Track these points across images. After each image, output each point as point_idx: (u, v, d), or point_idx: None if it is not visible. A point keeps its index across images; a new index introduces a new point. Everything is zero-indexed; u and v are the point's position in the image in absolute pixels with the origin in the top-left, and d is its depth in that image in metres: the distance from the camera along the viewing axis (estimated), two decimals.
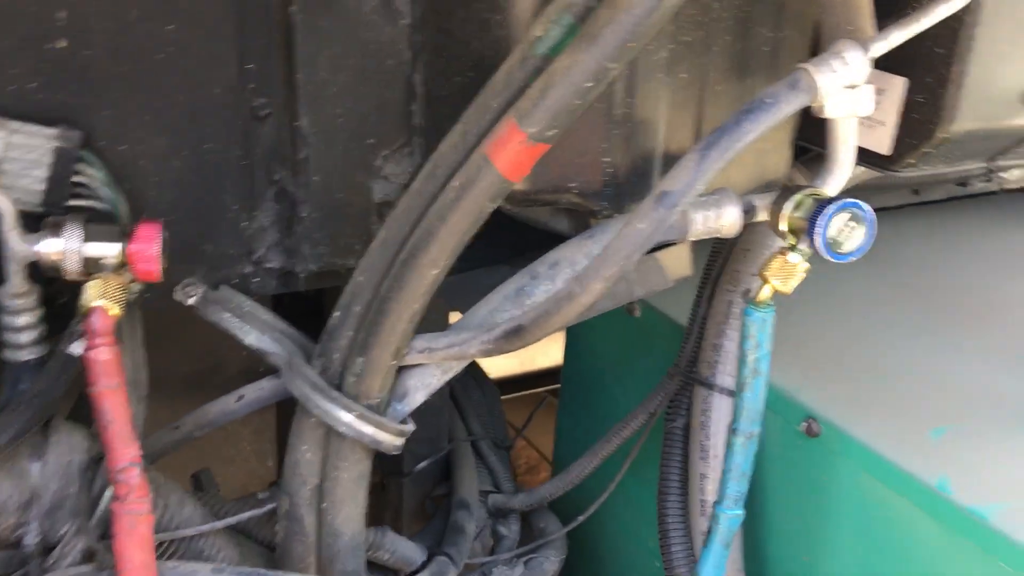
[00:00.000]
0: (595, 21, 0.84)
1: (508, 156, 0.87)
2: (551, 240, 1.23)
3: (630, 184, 1.05)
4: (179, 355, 1.50)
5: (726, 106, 1.07)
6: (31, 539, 0.90)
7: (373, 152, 1.12)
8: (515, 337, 0.92)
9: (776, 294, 0.99)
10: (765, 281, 0.99)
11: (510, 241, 1.36)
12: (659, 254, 1.11)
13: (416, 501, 1.48)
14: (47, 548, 0.93)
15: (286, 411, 1.58)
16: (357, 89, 1.08)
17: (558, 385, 2.71)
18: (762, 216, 1.04)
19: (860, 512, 1.16)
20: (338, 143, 1.10)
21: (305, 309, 1.46)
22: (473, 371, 1.64)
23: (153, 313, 1.11)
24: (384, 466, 1.49)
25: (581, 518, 1.34)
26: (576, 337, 1.69)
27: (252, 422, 1.72)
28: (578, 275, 0.86)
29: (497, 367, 2.83)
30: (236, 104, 1.06)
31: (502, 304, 1.01)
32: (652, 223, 0.82)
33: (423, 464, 1.42)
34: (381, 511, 1.54)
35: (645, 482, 1.38)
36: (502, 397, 2.98)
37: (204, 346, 1.52)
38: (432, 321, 1.32)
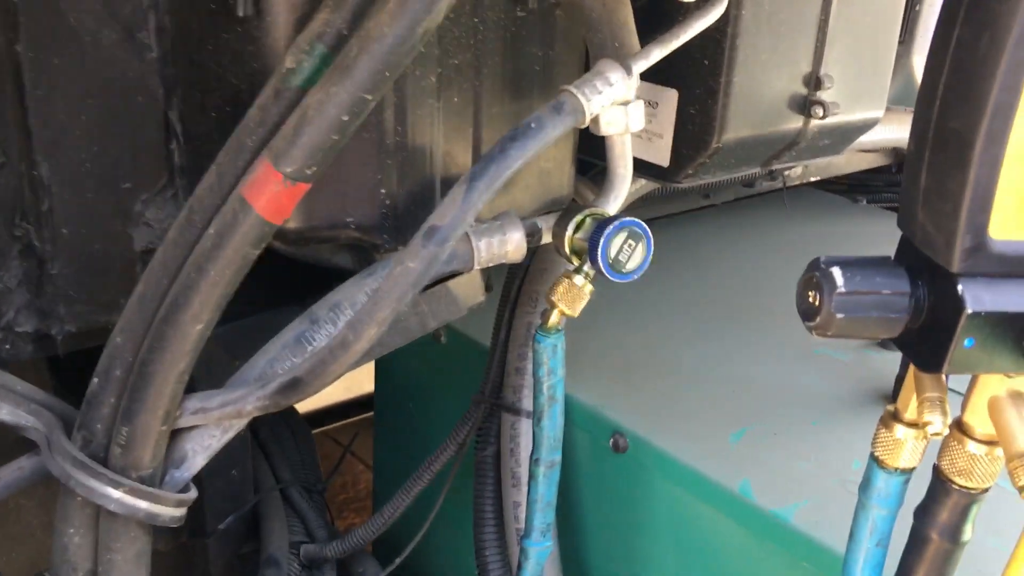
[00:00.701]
0: (347, 51, 0.79)
1: (266, 198, 0.81)
2: (345, 274, 1.17)
3: (410, 214, 1.00)
4: None
5: (502, 127, 1.05)
6: None
7: (131, 197, 1.03)
8: (292, 391, 0.86)
9: (560, 317, 0.97)
10: (553, 305, 0.97)
11: (299, 278, 1.30)
12: (451, 283, 1.07)
13: (224, 561, 1.38)
14: None
15: None
16: (104, 130, 0.99)
17: None
18: (547, 238, 1.02)
19: (673, 524, 1.17)
20: (86, 190, 1.00)
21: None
22: (278, 412, 1.55)
23: None
24: (187, 527, 1.39)
25: (397, 560, 1.29)
26: (385, 366, 1.64)
27: (36, 494, 1.57)
28: (350, 321, 0.80)
29: (323, 395, 2.74)
30: None
31: (282, 353, 0.95)
32: (423, 261, 0.78)
33: (227, 521, 1.33)
34: (189, 575, 1.44)
35: (465, 511, 1.35)
36: (329, 426, 2.89)
37: None
38: (218, 372, 1.24)
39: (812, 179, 1.83)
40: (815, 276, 0.69)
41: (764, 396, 1.25)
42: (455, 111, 1.00)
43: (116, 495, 0.90)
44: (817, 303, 0.68)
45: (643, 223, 0.94)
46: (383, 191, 0.98)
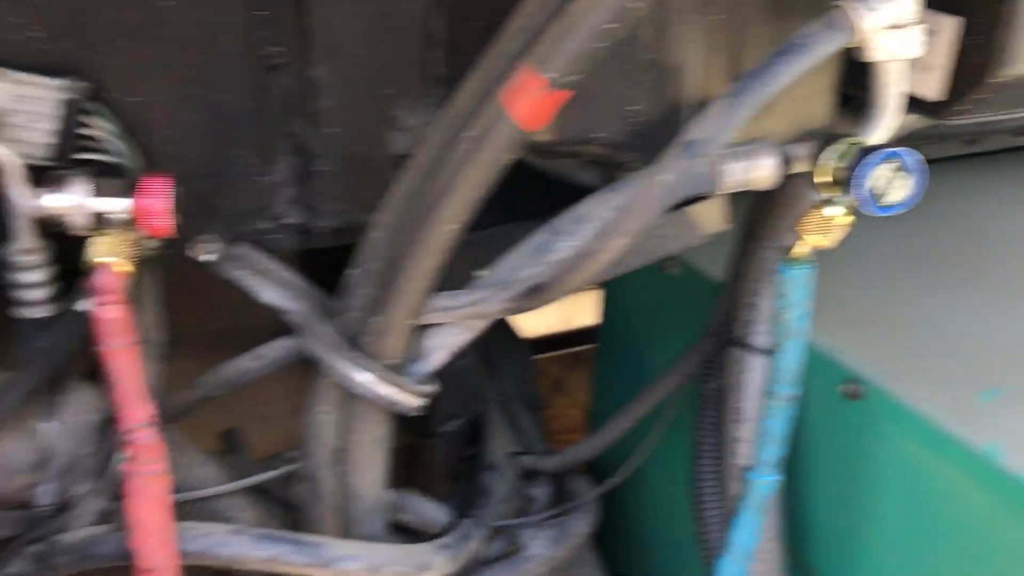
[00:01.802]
0: None
1: (526, 104, 0.82)
2: (581, 192, 1.18)
3: (660, 133, 0.99)
4: (205, 312, 1.48)
5: (764, 49, 1.01)
6: (44, 499, 0.89)
7: (392, 102, 1.08)
8: (535, 295, 0.88)
9: (815, 249, 0.93)
10: (801, 236, 0.93)
11: (538, 194, 1.32)
12: (691, 208, 1.05)
13: (446, 462, 1.45)
14: (62, 508, 0.91)
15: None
16: (374, 36, 1.04)
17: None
18: (801, 167, 0.98)
19: (904, 478, 1.11)
20: (354, 93, 1.05)
21: (334, 264, 1.43)
22: (505, 330, 1.60)
23: (177, 269, 1.09)
24: (414, 427, 1.47)
25: (612, 480, 1.30)
26: (613, 295, 1.64)
27: (286, 380, 1.70)
28: (598, 231, 0.81)
29: (540, 324, 2.80)
30: (249, 53, 1.02)
31: (523, 261, 0.97)
32: (677, 174, 0.77)
33: (452, 425, 1.39)
34: (413, 472, 1.52)
35: (680, 444, 1.34)
36: (544, 355, 2.95)
37: (230, 303, 1.50)
38: (459, 279, 1.29)
39: None
40: None
41: (1021, 358, 1.15)
42: (716, 29, 0.97)
43: (364, 379, 0.96)
44: None
45: (919, 154, 0.88)
46: (635, 108, 0.97)
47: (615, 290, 1.62)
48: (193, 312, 1.46)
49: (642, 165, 1.01)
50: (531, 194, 1.24)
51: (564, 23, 0.81)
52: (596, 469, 1.51)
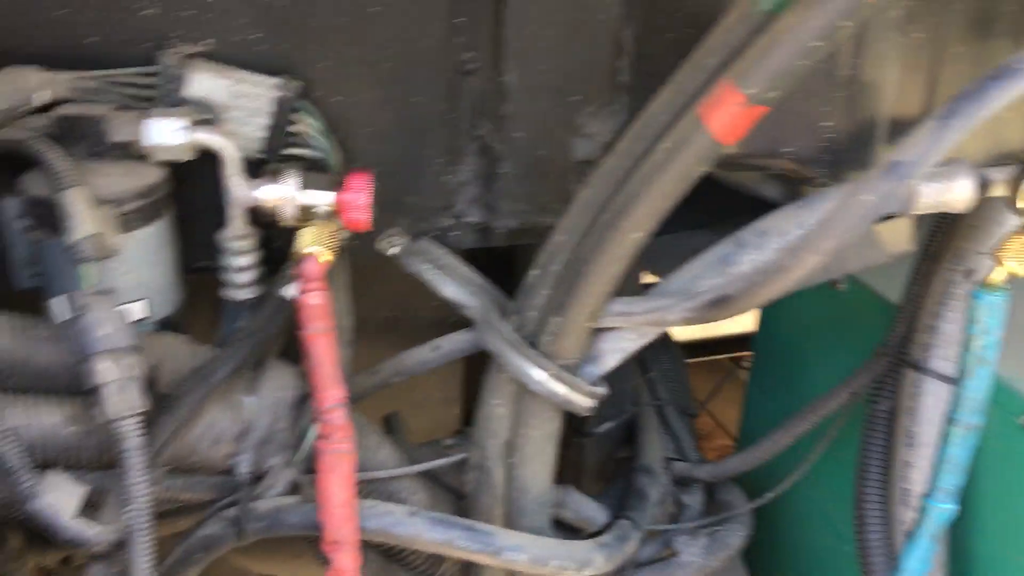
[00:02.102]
0: None
1: (723, 118, 0.83)
2: (753, 205, 1.18)
3: (851, 151, 0.98)
4: (374, 302, 1.55)
5: (964, 70, 0.99)
6: (243, 468, 0.96)
7: (577, 109, 1.10)
8: (720, 307, 0.89)
9: (1011, 276, 0.91)
10: (999, 262, 0.91)
11: (710, 205, 1.32)
12: (878, 227, 1.03)
13: (598, 462, 1.47)
14: (256, 478, 0.98)
15: (473, 361, 1.61)
16: (565, 44, 1.06)
17: (739, 352, 2.62)
18: (999, 191, 0.95)
19: None
20: (542, 99, 1.08)
21: (494, 267, 1.47)
22: (661, 336, 1.60)
23: (359, 259, 1.15)
24: (569, 425, 1.49)
25: (771, 494, 1.29)
26: (772, 308, 1.62)
27: (440, 370, 1.76)
28: (792, 246, 0.81)
29: (678, 331, 2.78)
30: (445, 58, 1.06)
31: (705, 271, 0.98)
32: (880, 194, 0.76)
33: (607, 426, 1.41)
34: (562, 469, 1.55)
35: (838, 463, 1.32)
36: (697, 359, 2.92)
37: (397, 294, 1.57)
38: (624, 284, 1.30)
39: None
40: None
41: None
42: (915, 48, 0.95)
43: (540, 376, 0.99)
44: None
45: None
46: (827, 123, 0.97)
47: (776, 304, 1.60)
48: (364, 301, 1.52)
49: (829, 181, 1.00)
50: (703, 204, 1.24)
51: (767, 39, 0.81)
52: (744, 482, 1.50)
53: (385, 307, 1.56)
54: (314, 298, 0.91)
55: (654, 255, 1.21)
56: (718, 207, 1.31)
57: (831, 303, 1.43)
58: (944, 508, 1.02)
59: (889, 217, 1.01)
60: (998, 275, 0.91)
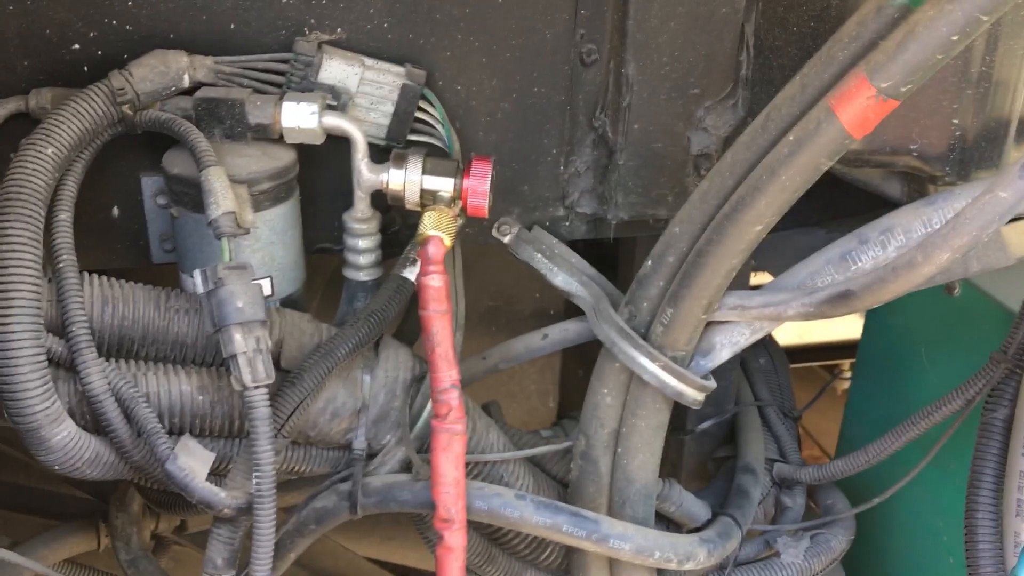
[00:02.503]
0: None
1: (854, 111, 0.82)
2: (866, 205, 1.16)
3: (979, 150, 0.96)
4: (477, 291, 1.57)
5: None
6: (359, 443, 0.99)
7: (696, 102, 1.10)
8: (842, 302, 0.88)
9: None
10: None
11: (821, 203, 1.30)
12: (1004, 228, 1.01)
13: (696, 460, 1.47)
14: (371, 454, 1.01)
15: (570, 354, 1.62)
16: (686, 38, 1.07)
17: (833, 361, 2.58)
18: None
19: None
20: (661, 92, 1.09)
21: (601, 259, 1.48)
22: (764, 337, 1.59)
23: (473, 246, 1.17)
24: (672, 420, 1.49)
25: (877, 500, 1.27)
26: (879, 312, 1.59)
27: (538, 361, 1.77)
28: (922, 242, 0.80)
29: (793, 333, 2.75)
30: (566, 49, 1.08)
31: (824, 268, 0.97)
32: (1018, 193, 0.75)
33: (707, 423, 1.40)
34: (664, 464, 1.55)
35: (945, 472, 1.29)
36: (801, 364, 2.87)
37: (499, 284, 1.59)
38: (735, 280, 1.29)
39: None
40: None
41: None
42: None
43: (651, 367, 0.99)
44: None
45: None
46: (956, 121, 0.95)
47: (883, 308, 1.57)
48: (471, 288, 1.55)
49: (955, 181, 0.99)
50: (815, 201, 1.23)
51: (903, 32, 0.80)
52: (846, 486, 1.48)
53: (486, 296, 1.59)
54: (435, 280, 0.93)
55: (767, 252, 1.20)
56: (831, 205, 1.29)
57: (943, 308, 1.40)
58: None
59: (1017, 219, 0.98)
60: None
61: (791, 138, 0.87)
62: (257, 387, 0.83)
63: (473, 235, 1.15)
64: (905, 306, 1.51)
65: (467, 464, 1.03)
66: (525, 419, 1.84)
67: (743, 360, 1.55)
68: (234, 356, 0.83)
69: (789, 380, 1.62)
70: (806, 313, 0.92)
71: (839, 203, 1.27)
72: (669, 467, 1.53)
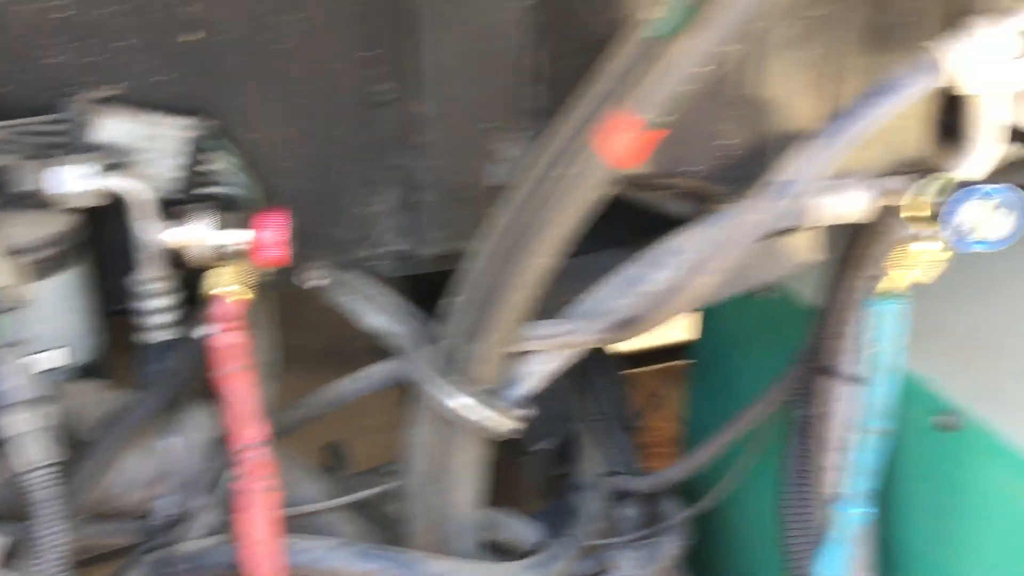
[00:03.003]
0: (713, 2, 0.81)
1: (622, 143, 0.85)
2: (670, 222, 1.20)
3: (754, 166, 1.01)
4: (309, 331, 1.55)
5: (860, 83, 1.01)
6: (160, 512, 0.96)
7: (493, 135, 1.12)
8: (627, 327, 0.91)
9: (912, 284, 0.94)
10: (898, 270, 0.94)
11: (631, 223, 1.34)
12: (787, 238, 1.06)
13: (537, 480, 1.49)
14: (178, 520, 0.98)
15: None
16: (479, 72, 1.08)
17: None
18: (896, 201, 0.98)
19: (1002, 513, 1.09)
20: (458, 127, 1.10)
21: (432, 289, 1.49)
22: (597, 349, 1.62)
23: (284, 291, 1.16)
24: (506, 445, 1.51)
25: (705, 502, 1.32)
26: (709, 315, 1.65)
27: (387, 394, 1.76)
28: (691, 266, 0.83)
29: (636, 339, 2.81)
30: (361, 90, 1.08)
31: (617, 291, 1.00)
32: (769, 213, 0.79)
33: (543, 444, 1.43)
34: (503, 489, 1.56)
35: (769, 467, 1.35)
36: (639, 369, 2.96)
37: (333, 323, 1.57)
38: (555, 304, 1.32)
39: None
40: None
41: None
42: (812, 64, 0.98)
43: (462, 403, 1.00)
44: None
45: (1020, 190, 0.87)
46: (728, 141, 0.99)
47: (712, 311, 1.63)
48: (295, 331, 1.53)
49: (735, 197, 1.03)
50: (623, 222, 1.26)
51: (659, 65, 0.84)
52: (685, 491, 1.53)
53: (320, 337, 1.57)
54: (228, 339, 0.91)
55: (577, 275, 1.23)
56: (635, 225, 1.33)
57: (762, 311, 1.46)
58: (856, 512, 1.04)
59: (795, 229, 1.04)
60: (890, 283, 0.94)
61: (567, 172, 0.90)
62: (37, 468, 0.80)
63: (285, 281, 1.14)
64: (731, 309, 1.57)
65: (283, 518, 1.02)
66: (381, 454, 1.83)
67: (577, 374, 1.58)
68: (12, 438, 0.80)
69: (624, 390, 1.66)
70: (601, 339, 0.95)
71: (644, 223, 1.31)
72: (511, 490, 1.55)
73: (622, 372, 1.68)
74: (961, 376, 1.17)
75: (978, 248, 0.88)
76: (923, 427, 1.15)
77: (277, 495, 0.93)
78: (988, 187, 0.88)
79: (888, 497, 1.19)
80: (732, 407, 1.54)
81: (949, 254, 0.95)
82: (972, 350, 1.22)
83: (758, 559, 1.53)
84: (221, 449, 0.98)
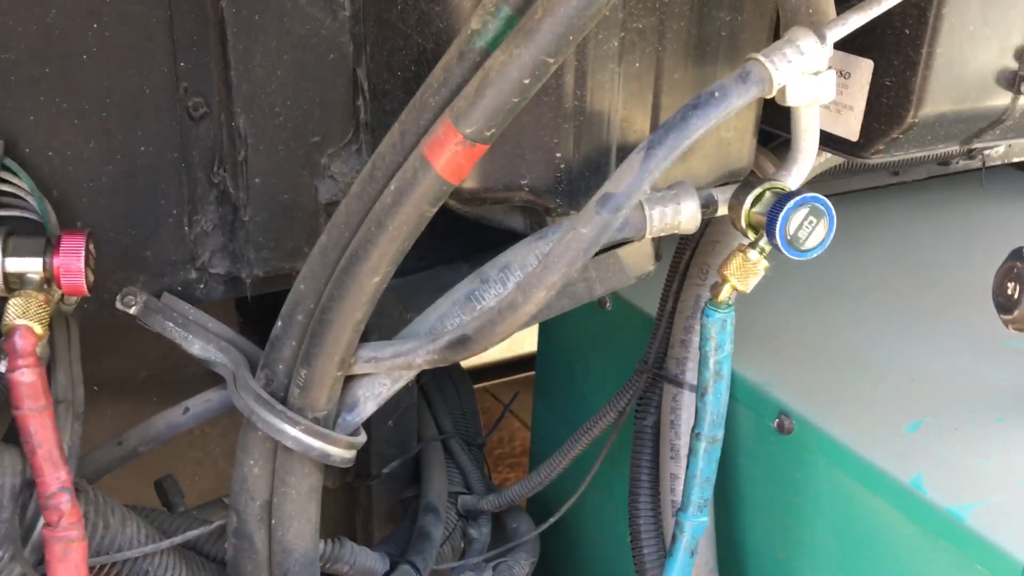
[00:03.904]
0: (532, 14, 0.79)
1: (446, 157, 0.82)
2: (513, 235, 1.19)
3: (584, 179, 1.00)
4: (135, 360, 1.46)
5: (684, 95, 1.02)
6: None
7: (318, 151, 1.07)
8: (460, 348, 0.88)
9: (735, 292, 0.95)
10: (725, 280, 0.95)
11: (469, 236, 1.32)
12: (620, 250, 1.06)
13: (386, 504, 1.44)
14: None
15: None
16: (297, 85, 1.03)
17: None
18: (723, 210, 0.99)
19: (835, 510, 1.13)
20: (279, 142, 1.05)
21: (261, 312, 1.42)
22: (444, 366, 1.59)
23: (102, 319, 1.07)
24: (353, 469, 1.46)
25: (552, 519, 1.30)
26: (549, 329, 1.65)
27: (219, 423, 1.68)
28: (520, 283, 0.81)
29: (487, 353, 2.80)
30: (170, 104, 1.01)
31: (452, 310, 0.97)
32: (595, 228, 0.78)
33: (391, 466, 1.38)
34: (352, 514, 1.51)
35: (621, 477, 1.35)
36: (492, 382, 2.95)
37: (160, 349, 1.48)
38: (390, 322, 1.28)
39: (1015, 159, 1.70)
40: (1016, 267, 0.64)
41: (946, 388, 1.18)
42: (636, 76, 0.98)
43: (293, 433, 0.95)
44: (1017, 295, 0.64)
45: (826, 200, 0.90)
46: (559, 155, 0.98)
47: (549, 324, 1.63)
48: (121, 358, 1.43)
49: (568, 211, 1.02)
50: (460, 237, 1.24)
51: (479, 77, 0.81)
52: (537, 504, 1.51)
53: (145, 365, 1.48)
54: (25, 375, 0.83)
55: (412, 292, 1.20)
56: (474, 239, 1.31)
57: (599, 322, 1.47)
58: (696, 521, 1.05)
59: (629, 241, 1.04)
60: (725, 293, 0.95)
61: (392, 188, 0.86)
62: None
63: (95, 309, 1.05)
64: (569, 321, 1.57)
65: (99, 568, 0.94)
66: (215, 484, 1.74)
67: (424, 391, 1.55)
68: None
69: (475, 406, 1.64)
70: (432, 360, 0.91)
71: (482, 236, 1.28)
72: (362, 516, 1.50)
73: (470, 386, 1.66)
74: (794, 380, 1.20)
75: (805, 256, 0.90)
76: (762, 430, 1.18)
77: (86, 544, 0.85)
78: (804, 196, 0.89)
79: (730, 498, 1.20)
80: (576, 418, 1.54)
81: (767, 264, 0.96)
82: (804, 353, 1.26)
83: (611, 569, 1.53)
84: (31, 494, 0.89)
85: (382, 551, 1.18)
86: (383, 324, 1.14)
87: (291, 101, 1.04)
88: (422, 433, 1.48)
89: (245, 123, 1.02)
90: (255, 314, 1.46)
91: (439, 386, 1.59)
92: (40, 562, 0.90)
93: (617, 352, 1.44)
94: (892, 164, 1.64)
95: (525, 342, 2.98)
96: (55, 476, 0.85)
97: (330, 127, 1.07)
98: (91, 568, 0.93)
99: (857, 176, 1.66)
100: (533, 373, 2.97)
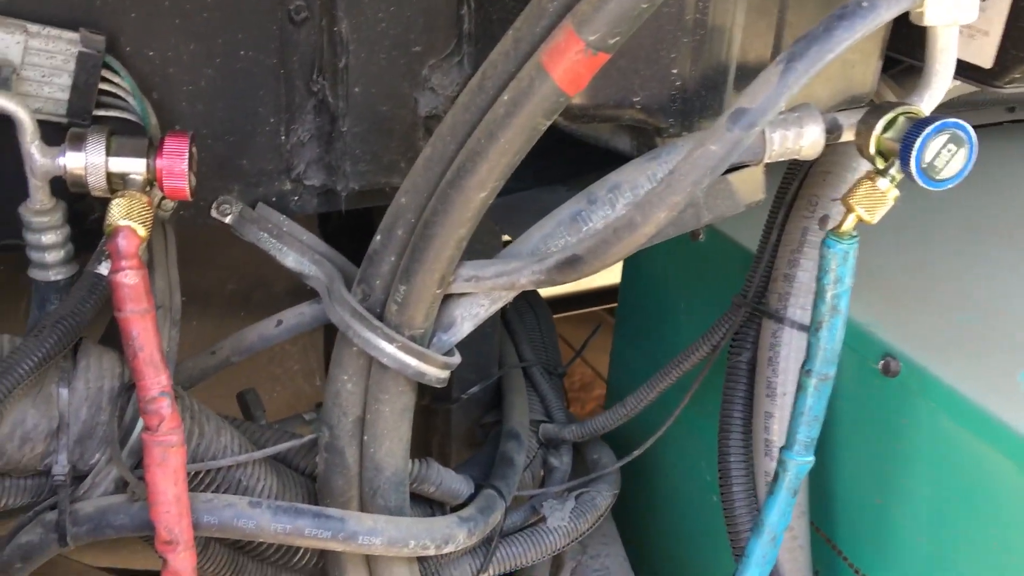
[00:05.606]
0: None
1: (565, 66, 0.78)
2: (613, 159, 1.14)
3: (700, 99, 0.95)
4: (223, 272, 1.46)
5: (811, 12, 0.96)
6: (60, 468, 0.87)
7: (419, 61, 1.03)
8: (569, 268, 0.84)
9: (859, 223, 0.90)
10: (850, 209, 0.89)
11: (568, 159, 1.27)
12: (730, 176, 1.01)
13: (465, 428, 1.43)
14: (78, 477, 0.89)
15: (334, 330, 1.54)
16: None
17: (615, 304, 2.65)
18: (848, 136, 0.93)
19: (938, 457, 1.08)
20: (380, 51, 1.01)
21: (355, 226, 1.40)
22: (526, 293, 1.56)
23: (195, 229, 1.06)
24: (432, 391, 1.44)
25: (636, 452, 1.28)
26: (634, 260, 1.60)
27: (300, 340, 1.68)
28: (640, 202, 0.77)
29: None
30: (271, 7, 0.98)
31: (556, 230, 0.93)
32: (726, 145, 0.73)
33: (472, 391, 1.37)
34: (429, 436, 1.50)
35: (705, 415, 1.31)
36: (557, 315, 2.93)
37: (249, 263, 1.47)
38: (484, 244, 1.25)
39: None
40: None
41: None
42: None
43: (389, 349, 0.93)
44: None
45: (968, 126, 0.84)
46: (675, 71, 0.93)
47: (637, 256, 1.58)
48: (211, 271, 1.43)
49: (680, 132, 0.97)
50: (560, 157, 1.20)
51: None
52: (616, 438, 1.49)
53: (233, 279, 1.47)
54: (128, 277, 0.82)
55: (510, 214, 1.16)
56: (575, 161, 1.27)
57: (690, 254, 1.42)
58: (801, 460, 1.01)
59: (743, 166, 0.99)
60: (849, 223, 0.90)
61: (506, 98, 0.82)
62: None
63: (191, 217, 1.04)
64: (656, 253, 1.52)
65: (194, 474, 0.93)
66: (291, 402, 1.74)
67: (506, 320, 1.52)
68: None
69: (555, 336, 1.61)
70: (538, 281, 0.88)
71: (583, 158, 1.24)
72: (439, 438, 1.49)
73: (550, 316, 1.63)
74: (902, 322, 1.15)
75: (940, 187, 0.84)
76: (865, 372, 1.13)
77: (184, 449, 0.85)
78: (944, 120, 0.83)
79: (826, 441, 1.16)
80: (659, 353, 1.51)
81: (897, 194, 0.91)
82: (912, 296, 1.20)
83: (688, 506, 1.51)
84: (128, 398, 0.89)
85: (466, 474, 1.17)
86: (477, 244, 1.11)
87: (394, 7, 1.00)
88: (503, 360, 1.46)
89: (347, 28, 0.99)
90: (334, 233, 1.44)
91: (520, 315, 1.56)
92: (136, 466, 0.90)
93: (709, 286, 1.40)
94: (1007, 99, 1.54)
95: (596, 277, 2.95)
96: (156, 380, 0.84)
97: (433, 36, 1.02)
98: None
99: (970, 112, 1.57)
100: (594, 308, 2.94)
